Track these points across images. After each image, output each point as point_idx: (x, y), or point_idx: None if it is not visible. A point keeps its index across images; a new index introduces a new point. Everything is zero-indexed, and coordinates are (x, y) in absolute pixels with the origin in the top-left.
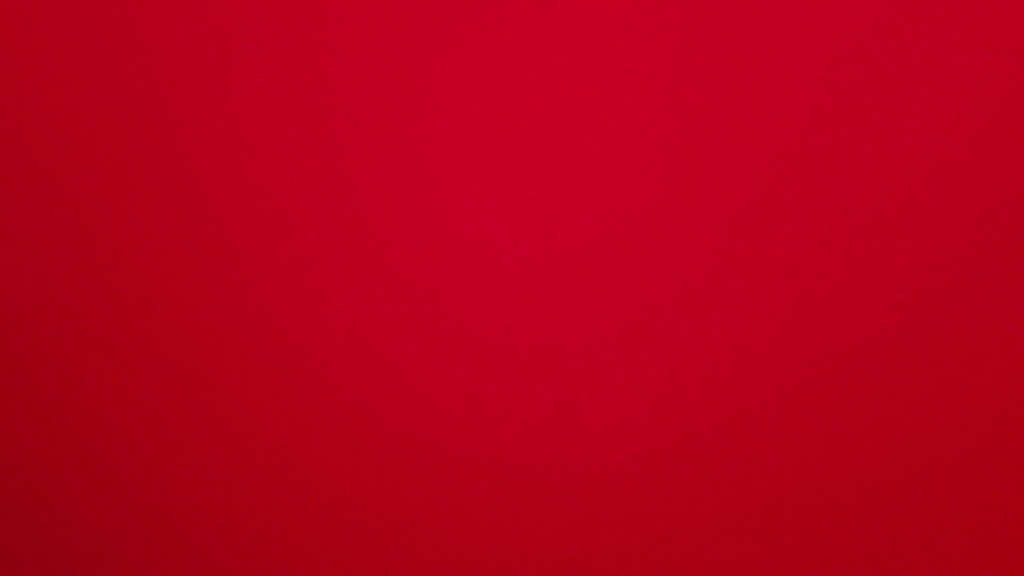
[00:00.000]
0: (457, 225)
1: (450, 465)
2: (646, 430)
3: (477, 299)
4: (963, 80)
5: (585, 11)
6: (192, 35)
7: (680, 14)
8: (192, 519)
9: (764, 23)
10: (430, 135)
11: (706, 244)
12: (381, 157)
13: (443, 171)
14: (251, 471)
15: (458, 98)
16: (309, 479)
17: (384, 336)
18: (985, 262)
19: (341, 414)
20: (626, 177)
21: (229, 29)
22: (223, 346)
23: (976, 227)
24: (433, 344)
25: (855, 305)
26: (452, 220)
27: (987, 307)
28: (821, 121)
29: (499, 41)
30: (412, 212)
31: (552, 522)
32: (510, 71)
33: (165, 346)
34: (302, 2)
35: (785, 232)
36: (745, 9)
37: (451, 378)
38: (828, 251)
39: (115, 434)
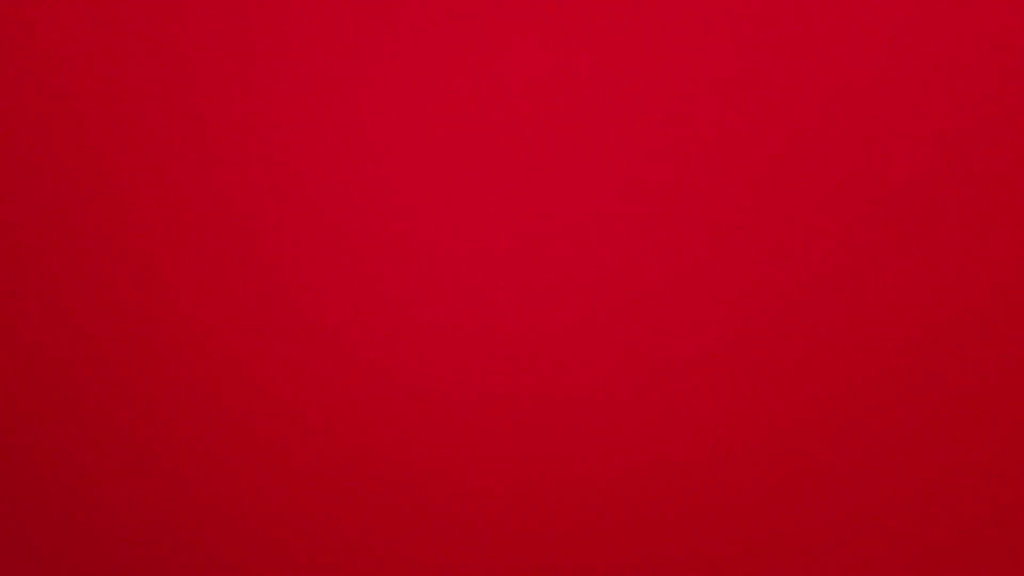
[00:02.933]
0: (451, 225)
1: (446, 466)
2: (642, 432)
3: (474, 299)
4: (963, 81)
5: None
6: (186, 34)
7: (674, 16)
8: (188, 518)
9: (771, 25)
10: (425, 135)
11: (706, 247)
12: (377, 158)
13: (437, 172)
14: (248, 470)
15: (451, 100)
16: (307, 479)
17: (380, 335)
18: (985, 262)
19: (339, 414)
20: (623, 179)
21: (222, 28)
22: (220, 346)
23: (976, 227)
24: (429, 344)
25: (853, 304)
26: (446, 220)
27: (987, 307)
28: (818, 120)
29: (492, 44)
30: (408, 213)
31: (550, 524)
32: (503, 74)
33: (162, 346)
34: (298, 3)
35: (781, 233)
36: (753, 12)
37: (448, 379)
38: (825, 250)
39: (113, 433)
